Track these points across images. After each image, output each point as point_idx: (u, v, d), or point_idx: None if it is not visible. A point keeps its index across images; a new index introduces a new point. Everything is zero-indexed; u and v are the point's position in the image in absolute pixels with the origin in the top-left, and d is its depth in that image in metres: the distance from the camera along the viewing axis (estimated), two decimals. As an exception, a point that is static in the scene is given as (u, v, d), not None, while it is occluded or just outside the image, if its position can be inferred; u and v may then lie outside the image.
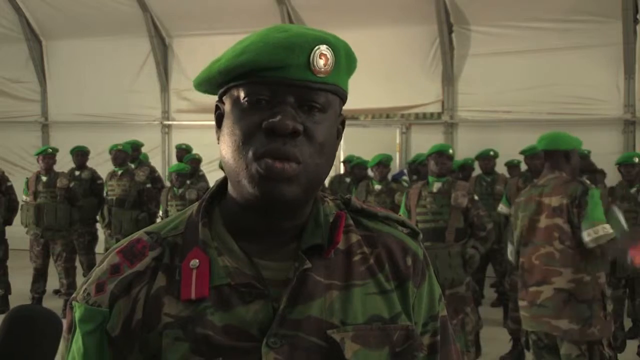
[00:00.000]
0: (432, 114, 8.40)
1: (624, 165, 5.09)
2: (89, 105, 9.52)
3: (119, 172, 6.59)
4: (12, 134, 10.03)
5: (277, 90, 0.81)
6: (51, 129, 10.06)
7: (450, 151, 4.11)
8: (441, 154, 4.04)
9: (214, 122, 0.90)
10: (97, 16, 9.06)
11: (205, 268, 0.82)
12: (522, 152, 5.87)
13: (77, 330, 0.84)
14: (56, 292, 6.67)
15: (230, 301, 0.81)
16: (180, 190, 6.08)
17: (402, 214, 4.03)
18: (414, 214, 4.04)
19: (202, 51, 7.92)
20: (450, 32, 8.12)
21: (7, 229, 6.43)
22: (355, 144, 7.86)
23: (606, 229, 2.95)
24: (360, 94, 7.86)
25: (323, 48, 0.81)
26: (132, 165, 6.87)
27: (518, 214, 3.28)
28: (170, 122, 9.50)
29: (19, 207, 6.39)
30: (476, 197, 4.07)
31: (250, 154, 0.80)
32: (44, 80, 10.03)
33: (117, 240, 5.70)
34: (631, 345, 4.96)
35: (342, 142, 0.94)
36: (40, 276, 6.31)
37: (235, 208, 0.87)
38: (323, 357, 0.80)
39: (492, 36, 7.88)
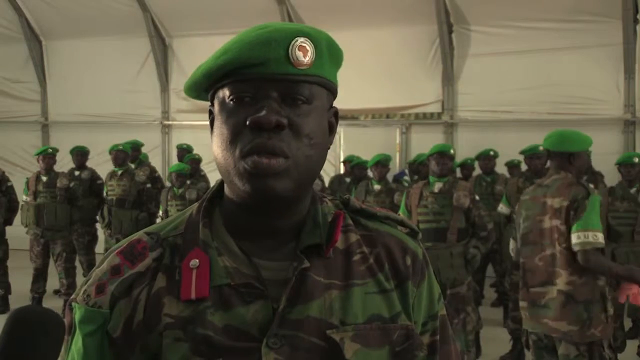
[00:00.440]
0: (432, 114, 8.39)
1: (624, 165, 5.08)
2: (89, 105, 9.51)
3: (119, 172, 6.58)
4: (12, 134, 10.02)
5: (260, 86, 0.81)
6: (51, 129, 10.06)
7: (452, 151, 4.10)
8: (442, 154, 4.03)
9: None
10: (97, 16, 9.05)
11: (205, 268, 0.82)
12: (522, 152, 5.86)
13: (77, 331, 0.84)
14: (56, 292, 6.67)
15: (230, 301, 0.81)
16: (180, 190, 6.08)
17: (402, 214, 4.04)
18: (415, 214, 4.04)
19: (202, 51, 7.82)
20: (451, 32, 8.11)
21: (7, 229, 6.44)
22: (355, 144, 7.87)
23: (597, 237, 2.90)
24: (361, 94, 7.89)
25: (301, 40, 0.81)
26: (132, 165, 6.87)
27: (521, 212, 3.26)
28: (170, 122, 9.50)
29: (19, 207, 6.40)
30: (477, 197, 4.08)
31: (237, 152, 0.80)
32: (44, 80, 10.02)
33: (117, 240, 5.70)
34: (631, 345, 4.96)
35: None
36: (40, 276, 6.31)
37: (232, 208, 0.87)
38: (323, 357, 0.80)
39: (493, 36, 7.87)
